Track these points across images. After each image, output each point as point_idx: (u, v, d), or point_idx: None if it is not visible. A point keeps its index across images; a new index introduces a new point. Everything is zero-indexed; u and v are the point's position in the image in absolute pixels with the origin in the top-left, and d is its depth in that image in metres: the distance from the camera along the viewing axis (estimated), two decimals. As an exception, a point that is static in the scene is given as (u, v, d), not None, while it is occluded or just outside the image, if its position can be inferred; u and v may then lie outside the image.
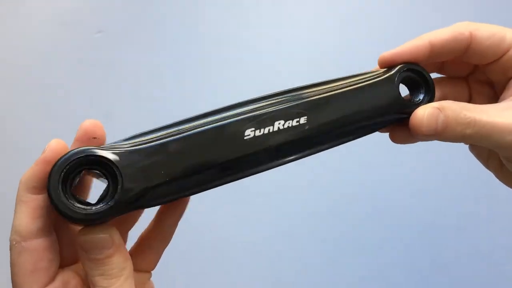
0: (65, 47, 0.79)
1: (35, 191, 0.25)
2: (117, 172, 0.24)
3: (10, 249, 0.26)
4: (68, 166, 0.24)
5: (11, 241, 0.25)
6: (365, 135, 0.31)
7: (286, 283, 0.73)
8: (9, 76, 0.78)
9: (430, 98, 0.32)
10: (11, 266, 0.26)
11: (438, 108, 0.28)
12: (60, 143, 0.26)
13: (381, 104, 0.30)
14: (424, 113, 0.29)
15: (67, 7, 0.80)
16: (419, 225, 0.73)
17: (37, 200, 0.25)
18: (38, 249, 0.25)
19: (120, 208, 0.24)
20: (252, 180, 0.29)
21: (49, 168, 0.24)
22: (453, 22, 0.32)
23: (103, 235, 0.25)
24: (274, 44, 0.79)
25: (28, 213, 0.25)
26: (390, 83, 0.31)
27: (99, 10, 0.80)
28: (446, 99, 0.30)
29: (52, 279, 0.26)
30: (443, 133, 0.28)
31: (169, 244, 0.33)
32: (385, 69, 0.32)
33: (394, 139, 0.34)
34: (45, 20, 0.79)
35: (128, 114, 0.76)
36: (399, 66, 0.31)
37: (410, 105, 0.31)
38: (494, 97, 0.34)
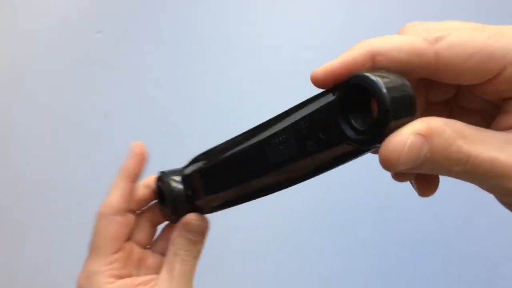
0: (65, 47, 0.79)
1: (130, 179, 0.34)
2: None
3: (98, 218, 0.33)
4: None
5: (100, 212, 0.33)
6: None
7: (286, 283, 0.73)
8: (9, 76, 0.78)
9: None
10: (95, 232, 0.33)
11: (424, 135, 0.19)
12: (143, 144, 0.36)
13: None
14: (404, 143, 0.19)
15: (67, 7, 0.80)
16: (419, 224, 0.73)
17: (129, 188, 0.34)
18: (120, 223, 0.34)
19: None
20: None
21: (140, 163, 0.35)
22: (457, 16, 0.22)
23: (207, 224, 0.34)
24: (275, 42, 0.79)
25: (121, 195, 0.34)
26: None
27: (99, 10, 0.80)
28: None
29: (121, 248, 0.34)
30: (421, 166, 0.20)
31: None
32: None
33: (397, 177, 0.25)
34: (45, 20, 0.79)
35: (128, 114, 0.76)
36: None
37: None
38: (480, 124, 0.23)
